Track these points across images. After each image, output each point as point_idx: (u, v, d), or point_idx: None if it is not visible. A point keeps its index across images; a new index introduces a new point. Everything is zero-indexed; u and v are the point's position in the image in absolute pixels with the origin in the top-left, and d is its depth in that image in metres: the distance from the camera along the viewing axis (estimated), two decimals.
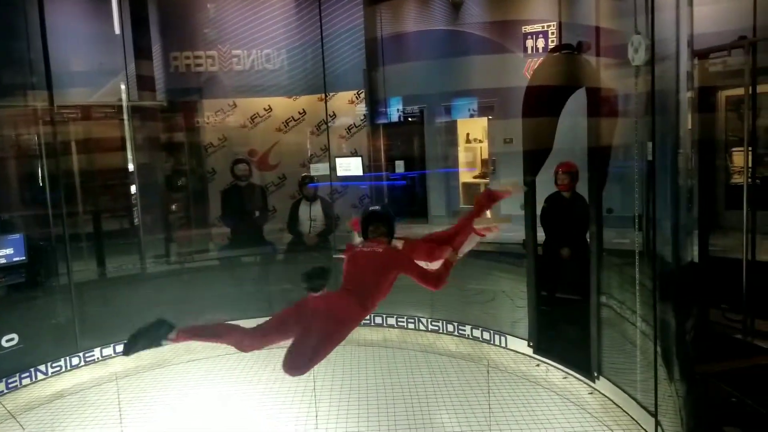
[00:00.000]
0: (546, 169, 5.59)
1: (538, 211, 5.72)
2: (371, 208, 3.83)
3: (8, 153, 6.92)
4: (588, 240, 4.93)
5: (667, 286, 3.83)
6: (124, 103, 7.55)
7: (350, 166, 8.17)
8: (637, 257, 4.12)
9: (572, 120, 5.35)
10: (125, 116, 7.54)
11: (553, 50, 5.88)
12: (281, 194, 8.64)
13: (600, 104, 4.71)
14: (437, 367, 5.44)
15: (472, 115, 8.86)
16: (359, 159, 8.18)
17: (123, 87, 7.55)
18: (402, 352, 5.89)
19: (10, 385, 5.29)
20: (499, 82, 8.13)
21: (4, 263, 5.38)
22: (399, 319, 6.55)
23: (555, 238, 5.76)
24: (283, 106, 8.78)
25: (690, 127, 3.54)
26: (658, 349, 3.78)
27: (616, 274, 4.74)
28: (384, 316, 6.58)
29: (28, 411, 4.93)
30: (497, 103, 8.47)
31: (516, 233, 6.41)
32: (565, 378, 5.08)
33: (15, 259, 5.45)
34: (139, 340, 3.14)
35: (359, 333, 6.45)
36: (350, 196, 8.56)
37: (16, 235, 5.54)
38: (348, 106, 8.70)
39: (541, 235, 5.78)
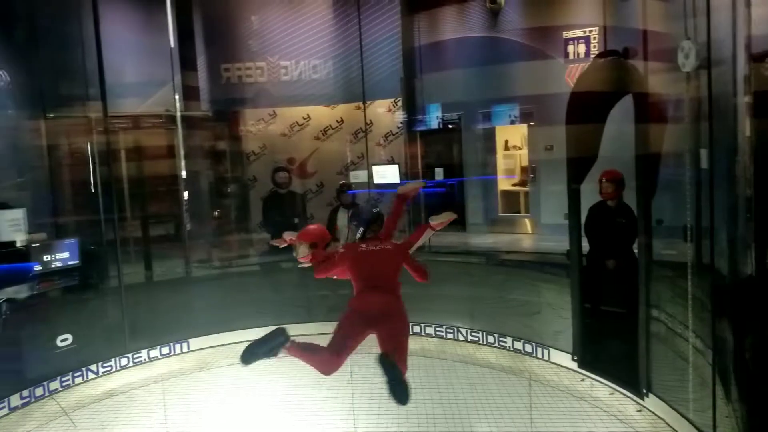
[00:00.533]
0: (591, 178, 5.51)
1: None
2: (368, 209, 4.01)
3: (64, 161, 7.17)
4: (635, 251, 4.82)
5: (723, 301, 3.71)
6: (178, 113, 7.78)
7: (387, 174, 8.20)
8: (689, 269, 4.01)
9: (619, 127, 5.26)
10: (177, 125, 7.76)
11: (599, 56, 5.79)
12: (319, 201, 8.74)
13: (648, 110, 4.61)
14: (477, 379, 5.39)
15: (513, 122, 8.78)
16: (396, 167, 8.21)
17: (177, 97, 7.76)
18: (441, 362, 5.85)
19: (64, 383, 5.48)
20: (539, 89, 8.06)
21: (59, 266, 5.57)
22: (438, 329, 6.51)
23: (599, 249, 5.64)
24: (321, 115, 8.88)
25: (748, 134, 3.42)
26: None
27: (666, 287, 4.62)
28: (422, 325, 6.56)
29: (80, 409, 5.09)
30: (537, 109, 8.39)
31: (560, 243, 6.34)
32: (612, 394, 4.96)
33: (69, 262, 5.64)
34: (258, 349, 3.22)
35: None
36: (387, 204, 8.58)
37: (71, 240, 5.74)
38: (385, 114, 8.75)
39: (585, 245, 5.67)
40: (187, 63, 8.27)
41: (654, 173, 4.64)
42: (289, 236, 4.25)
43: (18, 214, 5.62)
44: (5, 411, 4.97)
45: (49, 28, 6.75)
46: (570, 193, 5.39)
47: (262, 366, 5.77)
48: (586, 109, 5.23)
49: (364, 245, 3.80)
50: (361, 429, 4.40)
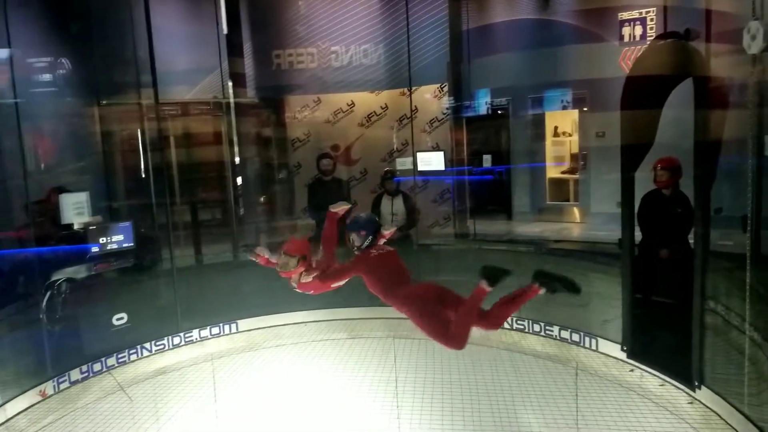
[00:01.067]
0: (645, 166, 5.34)
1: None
2: (369, 217, 3.93)
3: (117, 147, 7.41)
4: (690, 241, 4.66)
5: None
6: (231, 99, 7.92)
7: (432, 161, 8.14)
8: (748, 260, 3.85)
9: (677, 113, 5.08)
10: (231, 112, 7.91)
11: (659, 38, 5.56)
12: (362, 188, 8.75)
13: (709, 95, 4.42)
14: (523, 367, 5.33)
15: (565, 107, 8.57)
16: (441, 153, 8.14)
17: (229, 84, 7.90)
18: (486, 350, 5.81)
19: (120, 360, 5.71)
20: (592, 73, 7.82)
21: (115, 249, 5.77)
22: None
23: (653, 238, 5.48)
24: (365, 101, 8.87)
25: None
26: None
27: (722, 278, 4.46)
28: None
29: (135, 384, 5.30)
30: (589, 94, 8.16)
31: (610, 233, 6.19)
32: (662, 385, 4.84)
33: (124, 245, 5.83)
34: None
35: None
36: (431, 192, 8.54)
37: (126, 223, 5.92)
38: (431, 99, 8.67)
39: (638, 235, 5.51)
40: (235, 50, 8.38)
41: (713, 161, 4.46)
42: (263, 252, 4.11)
43: (81, 198, 5.82)
44: (66, 384, 5.21)
45: (103, 18, 6.93)
46: (624, 180, 5.23)
47: (309, 348, 5.91)
48: (643, 93, 5.04)
49: (374, 251, 3.78)
50: (405, 414, 4.42)
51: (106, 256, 5.72)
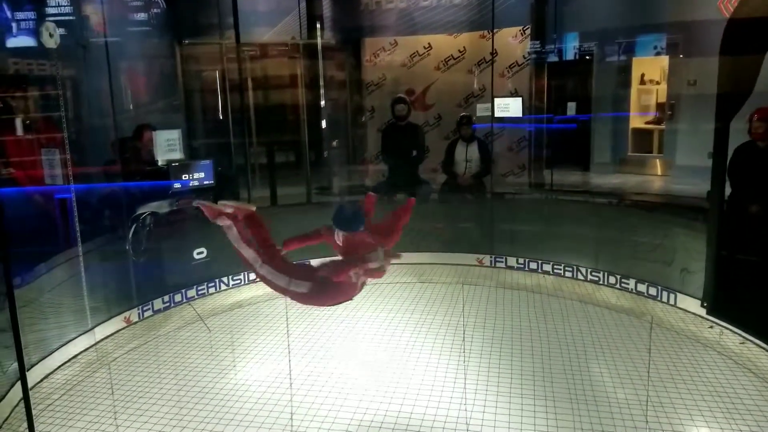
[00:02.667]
0: (741, 116, 5.00)
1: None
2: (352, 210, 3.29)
3: (198, 87, 7.61)
4: None
5: None
6: (319, 41, 7.92)
7: (510, 107, 7.89)
8: None
9: None
10: (318, 55, 7.92)
11: None
12: (436, 134, 8.64)
13: None
14: (595, 319, 5.23)
15: (659, 53, 8.03)
16: (519, 99, 7.87)
17: (318, 26, 7.89)
18: (557, 300, 5.73)
19: (200, 292, 6.02)
20: (686, 16, 7.27)
21: (196, 185, 5.99)
22: (556, 266, 6.35)
23: (744, 193, 5.16)
24: (443, 43, 8.62)
25: None
26: None
27: None
28: (539, 261, 6.42)
29: (213, 316, 5.58)
30: (683, 39, 7.61)
31: (695, 186, 5.88)
32: (743, 343, 4.64)
33: (205, 182, 6.04)
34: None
35: (512, 275, 6.40)
36: (506, 139, 8.32)
37: (206, 161, 6.12)
38: (512, 43, 8.32)
39: (727, 189, 5.20)
40: None
41: None
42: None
43: (174, 135, 6.02)
44: (150, 312, 5.56)
45: None
46: (717, 130, 4.91)
47: (379, 290, 6.00)
48: (746, 38, 4.68)
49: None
50: (473, 364, 4.44)
51: (188, 192, 5.95)
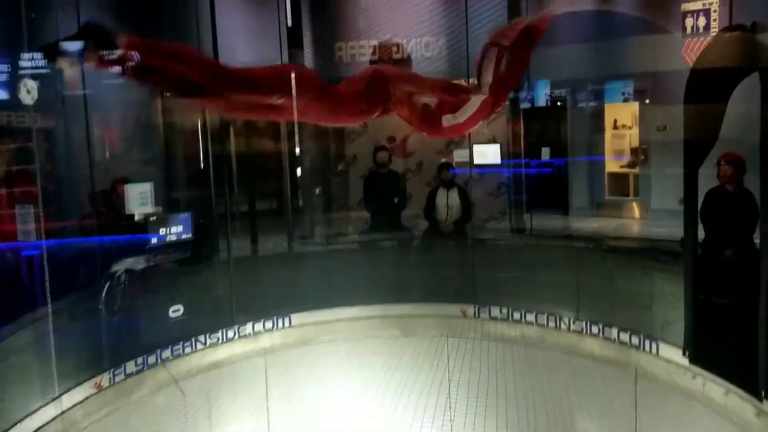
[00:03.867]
0: (709, 162, 5.12)
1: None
2: None
3: (179, 138, 7.60)
4: (755, 241, 4.44)
5: None
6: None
7: (488, 154, 7.99)
8: None
9: (744, 107, 4.82)
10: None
11: (724, 30, 5.33)
12: (417, 181, 8.69)
13: None
14: (580, 371, 5.16)
15: (626, 99, 8.26)
16: (497, 146, 7.98)
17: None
18: (541, 353, 5.67)
19: (175, 352, 5.80)
20: (653, 65, 7.53)
21: (174, 240, 5.89)
22: (539, 315, 6.31)
23: (717, 237, 5.24)
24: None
25: None
26: None
27: None
28: (523, 311, 6.38)
29: (188, 378, 5.35)
30: (651, 87, 7.85)
31: (671, 230, 5.96)
32: (727, 394, 4.60)
33: (183, 236, 5.94)
34: None
35: (495, 327, 6.34)
36: (486, 184, 8.40)
37: (185, 214, 6.02)
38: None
39: (701, 233, 5.27)
40: (296, 42, 8.42)
41: None
42: None
43: (146, 188, 5.94)
44: (122, 376, 5.14)
45: (172, 11, 7.08)
46: (687, 176, 5.01)
47: (362, 344, 5.90)
48: (708, 87, 4.83)
49: None
50: (459, 419, 4.36)
51: (166, 246, 5.85)
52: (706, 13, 7.01)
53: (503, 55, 3.48)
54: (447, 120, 3.49)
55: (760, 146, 4.22)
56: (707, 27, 6.97)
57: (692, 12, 7.11)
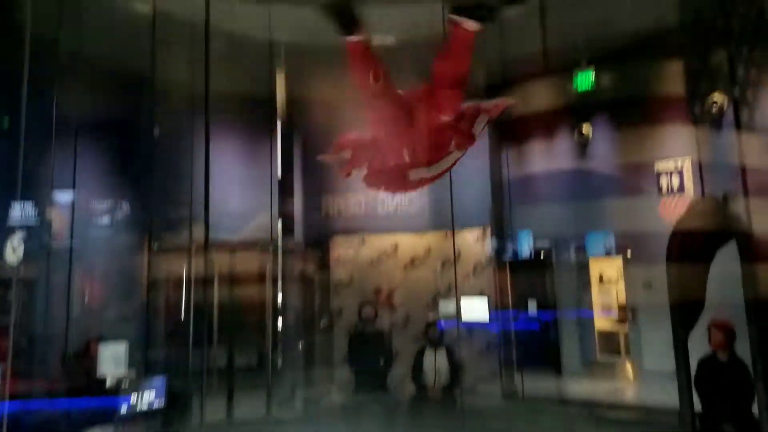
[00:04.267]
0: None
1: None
2: None
3: (162, 289, 7.47)
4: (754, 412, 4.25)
5: None
6: (279, 242, 8.05)
7: (474, 310, 7.90)
8: None
9: (725, 269, 4.87)
10: (278, 256, 8.01)
11: (698, 200, 5.56)
12: (405, 336, 8.47)
13: (756, 252, 4.24)
14: None
15: (608, 252, 8.34)
16: (485, 299, 7.90)
17: (279, 226, 8.11)
18: None
19: None
20: (632, 223, 7.70)
21: (144, 409, 5.50)
22: None
23: (714, 410, 5.00)
24: (409, 243, 8.84)
25: None
26: None
27: None
28: None
29: None
30: (632, 242, 7.98)
31: (668, 396, 5.70)
32: None
33: (155, 406, 5.55)
34: None
35: None
36: (474, 342, 8.20)
37: (159, 378, 5.66)
38: (474, 242, 8.58)
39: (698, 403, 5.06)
40: (286, 194, 8.62)
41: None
42: None
43: (120, 349, 5.68)
44: None
45: (166, 162, 7.23)
46: (676, 344, 4.91)
47: None
48: (688, 250, 4.93)
49: None
50: None
51: (135, 415, 5.50)
52: (680, 173, 7.33)
53: None
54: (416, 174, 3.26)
55: (746, 310, 4.19)
56: (681, 186, 7.27)
57: (666, 173, 7.44)
